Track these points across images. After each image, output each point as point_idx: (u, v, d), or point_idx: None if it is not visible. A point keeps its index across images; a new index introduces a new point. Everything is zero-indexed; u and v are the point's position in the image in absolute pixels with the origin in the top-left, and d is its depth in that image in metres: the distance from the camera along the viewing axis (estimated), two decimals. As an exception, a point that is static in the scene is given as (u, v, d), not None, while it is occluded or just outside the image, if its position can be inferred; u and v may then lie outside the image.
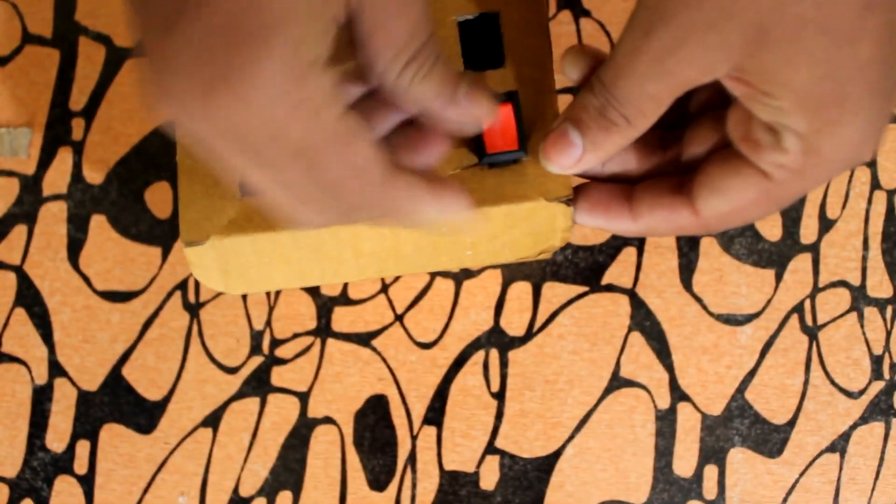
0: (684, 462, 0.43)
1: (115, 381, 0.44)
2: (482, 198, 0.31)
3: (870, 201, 0.44)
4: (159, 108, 0.23)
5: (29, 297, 0.45)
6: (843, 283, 0.44)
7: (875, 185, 0.44)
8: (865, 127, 0.26)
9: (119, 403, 0.44)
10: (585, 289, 0.44)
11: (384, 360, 0.44)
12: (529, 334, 0.44)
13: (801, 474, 0.42)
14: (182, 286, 0.44)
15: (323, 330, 0.44)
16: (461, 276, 0.44)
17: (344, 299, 0.44)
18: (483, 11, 0.33)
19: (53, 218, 0.45)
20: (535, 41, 0.33)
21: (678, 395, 0.43)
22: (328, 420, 0.43)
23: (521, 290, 0.44)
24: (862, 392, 0.43)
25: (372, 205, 0.26)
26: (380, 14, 0.24)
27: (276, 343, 0.44)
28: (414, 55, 0.25)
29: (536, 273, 0.44)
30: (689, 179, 0.30)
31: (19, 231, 0.45)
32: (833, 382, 0.43)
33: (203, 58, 0.21)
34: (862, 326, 0.43)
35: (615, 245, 0.44)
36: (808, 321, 0.44)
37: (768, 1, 0.24)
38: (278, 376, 0.44)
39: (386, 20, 0.24)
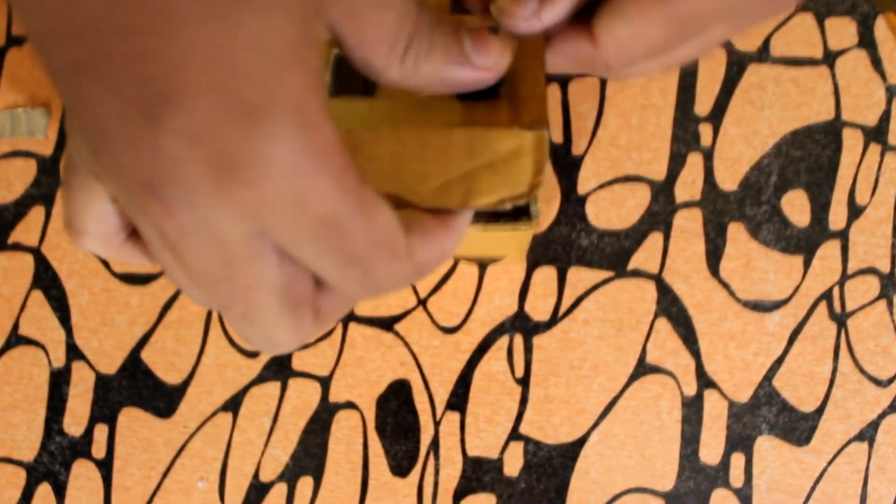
0: (711, 450, 0.42)
1: (133, 364, 0.43)
2: (448, 121, 0.28)
3: (899, 187, 0.44)
4: (148, 204, 0.21)
5: (47, 280, 0.44)
6: (872, 271, 0.43)
7: (905, 171, 0.44)
8: None
9: (138, 387, 0.43)
10: (611, 274, 0.43)
11: (407, 344, 0.43)
12: (554, 319, 0.43)
13: (830, 463, 0.42)
14: (202, 269, 0.44)
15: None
16: (485, 261, 0.43)
17: (366, 283, 0.43)
18: None
19: (71, 199, 0.45)
20: (530, 73, 0.31)
21: (705, 381, 0.42)
22: (350, 405, 0.43)
23: (545, 275, 0.43)
24: (891, 380, 0.42)
25: (398, 281, 0.24)
26: (362, 17, 0.24)
27: (297, 327, 0.43)
28: (409, 40, 0.25)
29: (562, 257, 0.43)
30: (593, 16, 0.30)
31: (37, 212, 0.45)
32: (862, 370, 0.42)
33: (207, 144, 0.19)
34: (891, 314, 0.43)
35: (641, 230, 0.44)
36: (837, 308, 0.43)
37: None
38: (299, 361, 0.43)
39: (369, 21, 0.24)
